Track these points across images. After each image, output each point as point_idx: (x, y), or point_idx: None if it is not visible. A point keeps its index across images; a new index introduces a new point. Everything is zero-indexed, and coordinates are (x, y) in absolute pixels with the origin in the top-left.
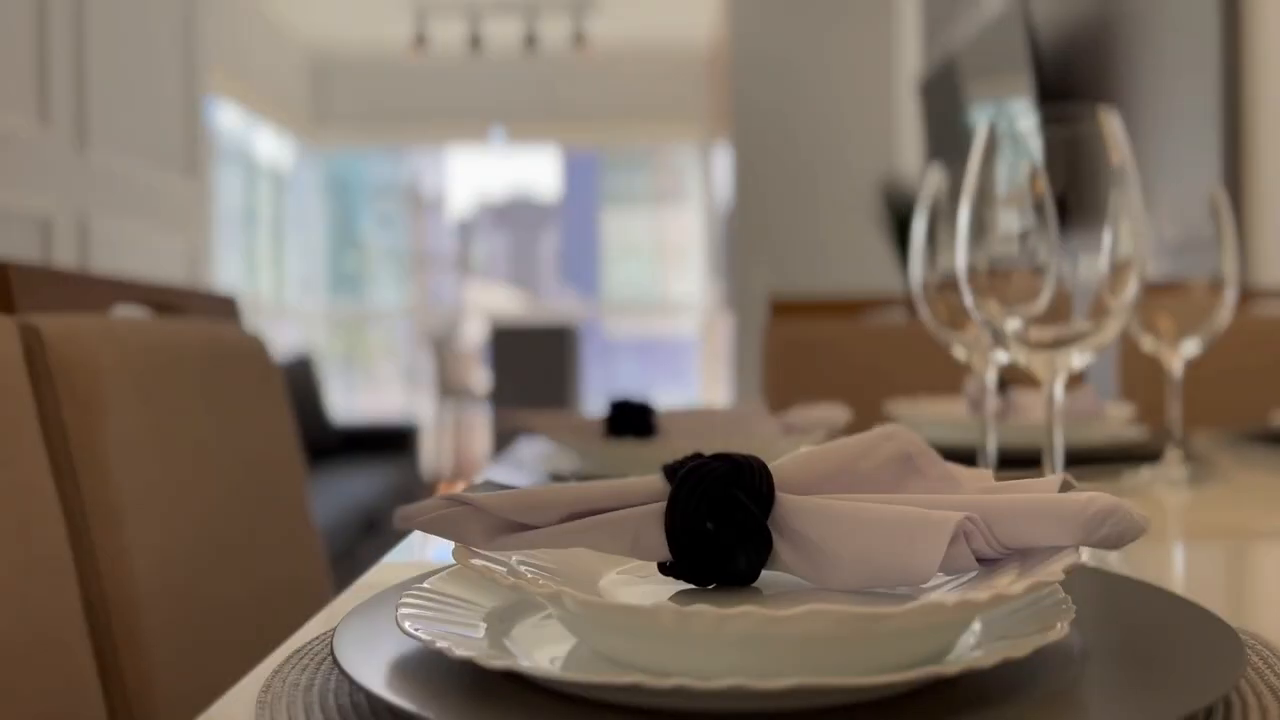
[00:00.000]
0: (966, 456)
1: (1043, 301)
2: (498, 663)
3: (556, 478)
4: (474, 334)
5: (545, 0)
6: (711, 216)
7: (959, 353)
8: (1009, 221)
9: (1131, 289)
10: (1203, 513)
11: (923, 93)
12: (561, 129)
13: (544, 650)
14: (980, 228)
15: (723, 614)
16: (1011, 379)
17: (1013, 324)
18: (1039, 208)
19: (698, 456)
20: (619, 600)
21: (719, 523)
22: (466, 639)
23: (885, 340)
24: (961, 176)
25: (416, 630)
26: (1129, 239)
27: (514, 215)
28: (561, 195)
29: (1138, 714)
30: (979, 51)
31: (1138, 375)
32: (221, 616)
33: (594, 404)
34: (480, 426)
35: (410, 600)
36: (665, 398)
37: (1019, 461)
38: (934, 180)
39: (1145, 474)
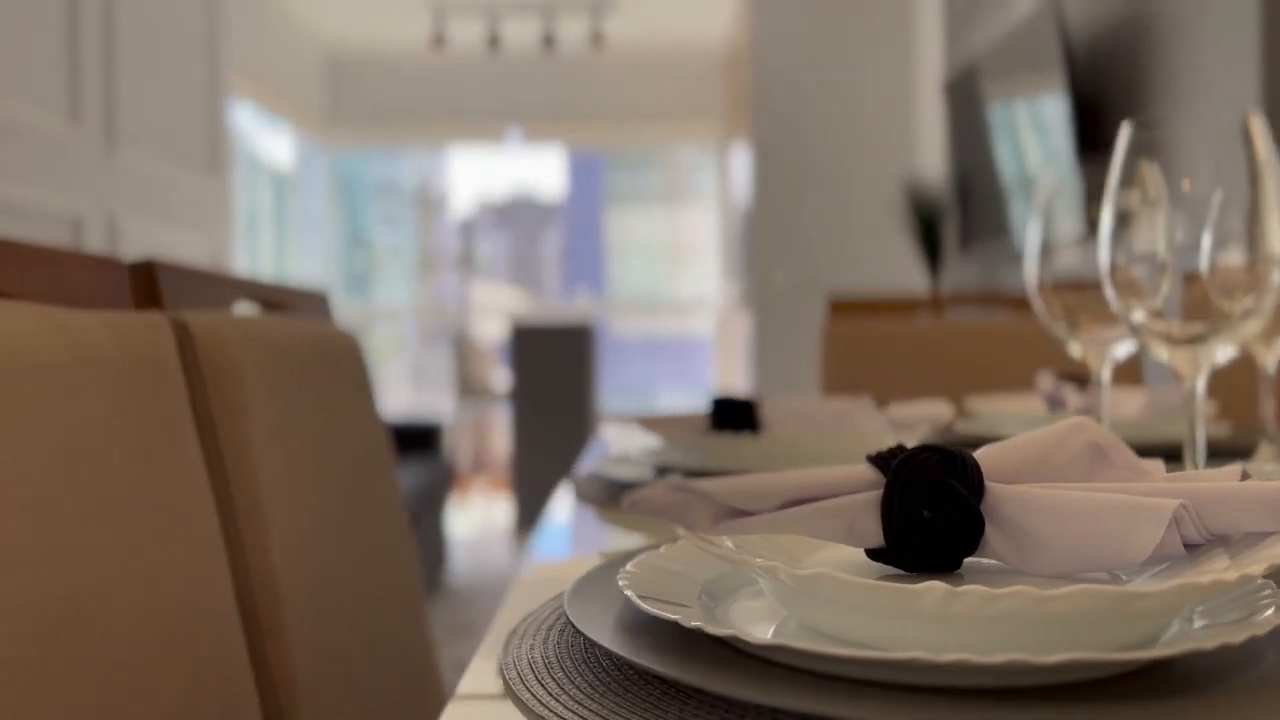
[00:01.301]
0: None
1: (1160, 298)
2: (764, 640)
3: (662, 470)
4: (492, 332)
5: (563, 0)
6: (727, 215)
7: (1074, 350)
8: (1144, 221)
9: (1276, 282)
10: None
11: (947, 92)
12: (577, 129)
13: (756, 625)
14: (1121, 226)
15: (991, 593)
16: (1090, 376)
17: (1137, 317)
18: (1162, 206)
19: (902, 448)
20: (876, 582)
21: (935, 510)
22: (696, 614)
23: (943, 339)
24: (983, 173)
25: (657, 608)
26: (1275, 234)
27: (515, 215)
28: (566, 195)
29: None
30: (1007, 51)
31: None
32: (343, 605)
33: (610, 403)
34: (499, 424)
35: (626, 582)
36: (675, 397)
37: None
38: (1048, 182)
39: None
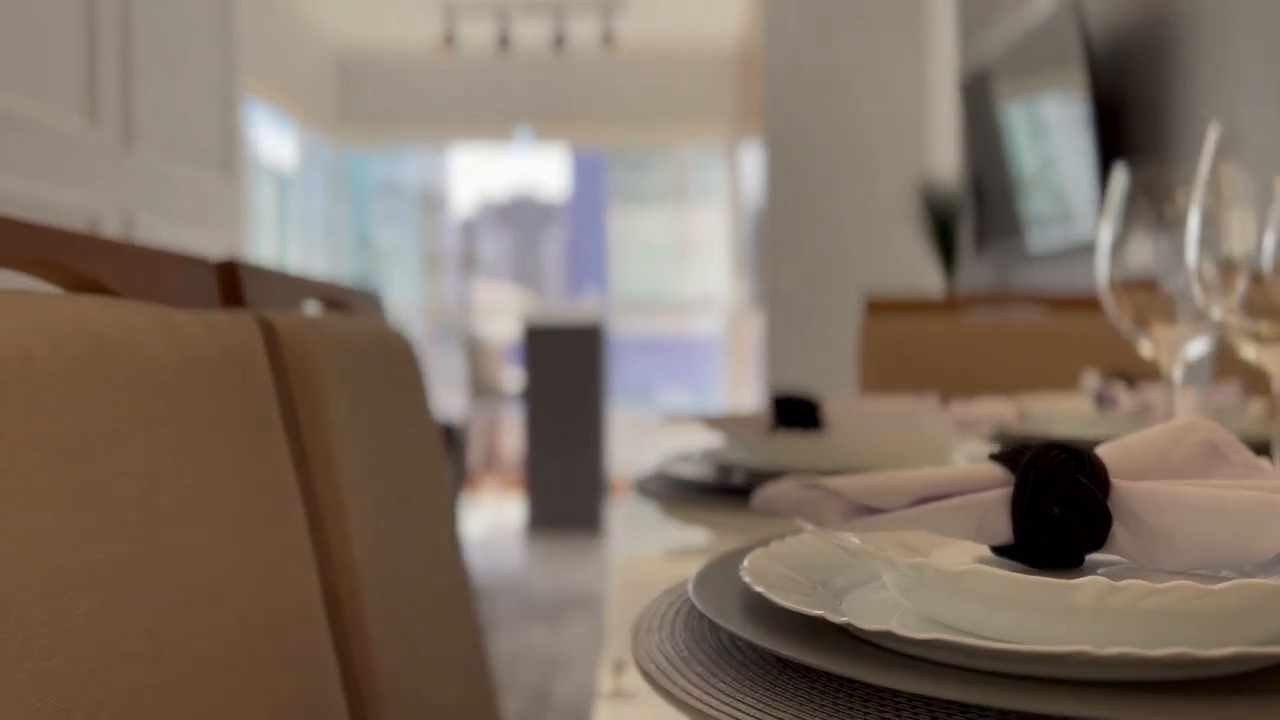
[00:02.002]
0: None
1: (1235, 297)
2: (923, 635)
3: (724, 469)
4: (498, 333)
5: (574, 0)
6: (737, 215)
7: (1145, 349)
8: (1221, 220)
9: None
10: None
11: (963, 91)
12: (587, 129)
13: (877, 619)
14: (1210, 227)
15: (1152, 587)
16: (1138, 375)
17: (1218, 316)
18: (1242, 205)
19: (1027, 447)
20: (1029, 576)
21: (1065, 507)
22: (832, 610)
23: (979, 338)
24: (998, 173)
25: (796, 604)
26: None
27: (517, 215)
28: (569, 194)
29: None
30: (1025, 51)
31: (1233, 369)
32: (411, 600)
33: (618, 402)
34: (511, 424)
35: (752, 578)
36: (679, 398)
37: None
38: (1120, 180)
39: None
